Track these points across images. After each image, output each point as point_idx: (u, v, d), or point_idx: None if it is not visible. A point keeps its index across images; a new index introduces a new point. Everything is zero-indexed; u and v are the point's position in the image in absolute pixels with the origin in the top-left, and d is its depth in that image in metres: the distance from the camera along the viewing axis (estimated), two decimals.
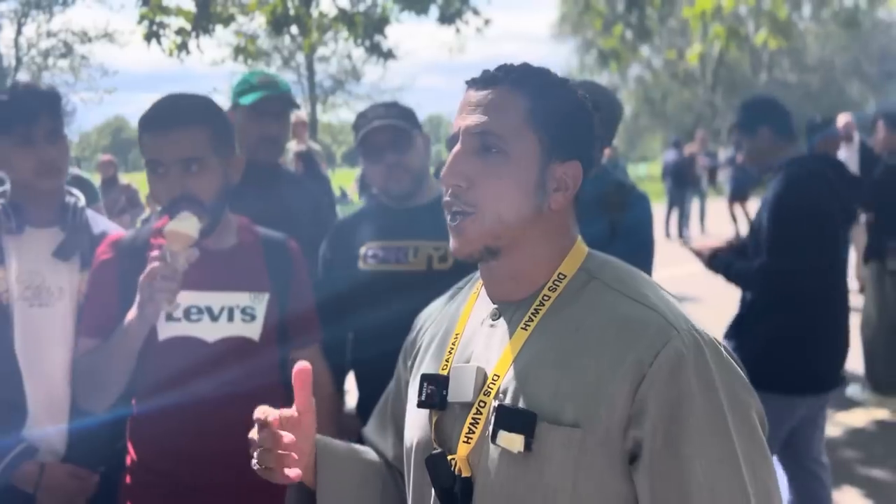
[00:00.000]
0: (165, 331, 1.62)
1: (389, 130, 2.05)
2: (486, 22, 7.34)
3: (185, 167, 1.58)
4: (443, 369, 1.08)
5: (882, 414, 4.62)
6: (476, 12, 7.20)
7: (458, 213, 1.01)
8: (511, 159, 1.00)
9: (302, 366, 1.04)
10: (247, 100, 2.31)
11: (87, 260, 1.79)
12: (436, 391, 1.05)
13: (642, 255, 2.27)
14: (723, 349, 0.97)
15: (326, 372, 1.85)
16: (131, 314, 1.54)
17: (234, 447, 1.61)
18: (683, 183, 12.92)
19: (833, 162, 2.83)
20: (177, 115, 1.61)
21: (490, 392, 0.99)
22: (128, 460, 1.71)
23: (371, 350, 2.10)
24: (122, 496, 1.71)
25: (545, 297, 1.03)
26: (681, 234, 13.00)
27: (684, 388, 0.91)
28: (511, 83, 1.02)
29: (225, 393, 1.61)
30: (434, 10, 6.91)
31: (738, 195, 12.45)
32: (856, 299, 7.72)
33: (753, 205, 12.69)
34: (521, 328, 1.02)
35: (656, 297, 1.00)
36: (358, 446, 1.24)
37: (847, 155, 7.44)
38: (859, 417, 4.58)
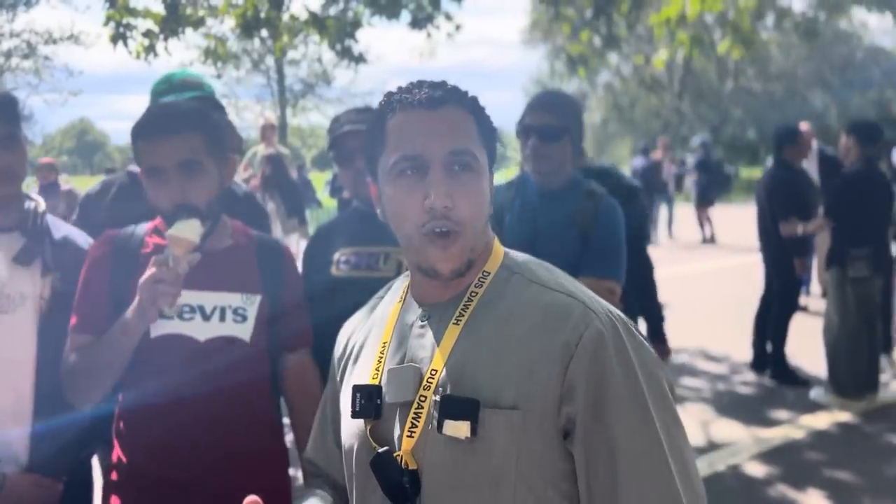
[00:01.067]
0: (157, 328, 1.63)
1: (360, 136, 2.04)
2: (458, 27, 7.36)
3: (185, 172, 1.61)
4: (373, 378, 1.12)
5: (844, 417, 4.72)
6: (448, 17, 7.22)
7: (447, 232, 1.06)
8: (478, 176, 1.09)
9: (251, 500, 1.05)
10: (168, 101, 2.19)
11: (48, 265, 1.77)
12: (369, 401, 1.09)
13: (615, 260, 2.29)
14: (633, 328, 1.09)
15: (317, 378, 1.84)
16: (129, 312, 1.55)
17: (220, 445, 1.63)
18: (651, 189, 13.07)
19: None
20: (173, 121, 1.64)
21: (430, 386, 1.05)
22: (113, 457, 1.70)
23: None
24: (106, 492, 1.71)
25: (472, 294, 1.10)
26: (649, 239, 13.14)
27: (606, 364, 1.01)
28: (460, 102, 1.10)
29: (214, 391, 1.62)
30: (405, 15, 6.92)
31: (704, 201, 12.64)
32: (819, 303, 7.89)
33: (718, 211, 12.92)
34: (453, 324, 1.08)
35: (573, 286, 1.10)
36: None
37: (806, 163, 7.61)
38: (822, 420, 4.68)
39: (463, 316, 1.08)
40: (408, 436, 1.04)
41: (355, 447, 1.12)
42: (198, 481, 1.62)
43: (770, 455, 4.14)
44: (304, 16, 7.12)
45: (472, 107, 1.11)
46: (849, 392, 4.83)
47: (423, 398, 1.05)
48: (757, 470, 3.97)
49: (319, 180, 15.49)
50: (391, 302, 1.22)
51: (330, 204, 10.96)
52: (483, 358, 1.04)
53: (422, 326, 1.12)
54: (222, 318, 1.66)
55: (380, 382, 1.10)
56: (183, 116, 1.65)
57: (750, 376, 5.62)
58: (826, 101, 32.55)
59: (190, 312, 1.65)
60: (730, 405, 5.00)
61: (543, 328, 1.04)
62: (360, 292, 2.08)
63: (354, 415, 1.11)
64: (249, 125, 23.52)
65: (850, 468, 3.96)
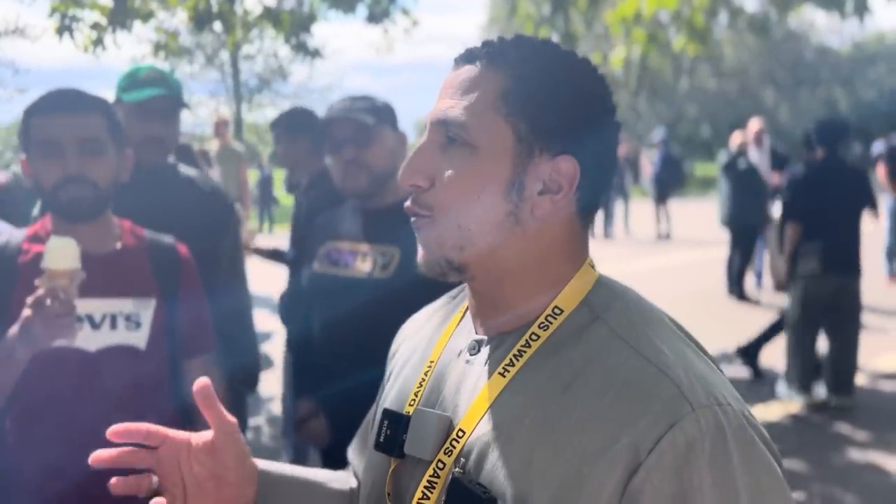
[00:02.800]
0: None
1: (348, 124, 1.97)
2: (415, 23, 7.32)
3: (84, 148, 1.55)
4: (410, 405, 0.88)
5: (795, 408, 4.82)
6: (405, 12, 7.17)
7: (416, 217, 0.84)
8: (478, 153, 0.80)
9: (202, 383, 0.87)
10: (132, 97, 2.15)
11: None
12: (394, 435, 0.86)
13: None
14: (752, 430, 0.75)
15: (221, 384, 1.76)
16: (13, 339, 1.41)
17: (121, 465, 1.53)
18: None
19: None
20: (76, 100, 1.59)
21: (452, 452, 0.80)
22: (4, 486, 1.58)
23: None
24: None
25: (533, 336, 0.81)
26: (606, 234, 13.30)
27: (693, 485, 0.70)
28: (487, 58, 0.82)
29: (109, 405, 1.52)
30: (362, 9, 6.85)
31: (662, 197, 12.83)
32: (770, 296, 8.06)
33: (673, 206, 13.13)
34: (499, 373, 0.81)
35: (674, 352, 0.77)
36: (321, 474, 1.04)
37: (758, 158, 7.79)
38: (774, 411, 4.77)
39: (513, 366, 0.80)
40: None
41: (371, 484, 0.90)
42: (94, 495, 1.54)
43: None
44: (258, 9, 7.00)
45: (506, 66, 0.82)
46: (795, 386, 4.89)
47: (441, 464, 0.80)
48: None
49: (277, 176, 15.31)
50: (454, 310, 0.96)
51: (287, 201, 10.84)
52: (520, 434, 0.76)
53: (468, 362, 0.85)
54: (113, 326, 1.56)
55: (410, 416, 0.87)
56: (86, 97, 1.60)
57: None
58: (777, 99, 33.34)
59: (77, 322, 1.50)
60: None
61: (610, 413, 0.73)
62: (331, 291, 2.03)
63: (377, 445, 0.88)
64: (204, 122, 23.11)
65: (801, 457, 4.04)
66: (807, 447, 4.19)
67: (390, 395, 0.95)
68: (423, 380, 0.89)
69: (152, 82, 2.18)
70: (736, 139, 7.87)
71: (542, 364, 0.79)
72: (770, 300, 7.83)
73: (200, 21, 6.53)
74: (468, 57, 0.84)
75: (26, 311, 1.39)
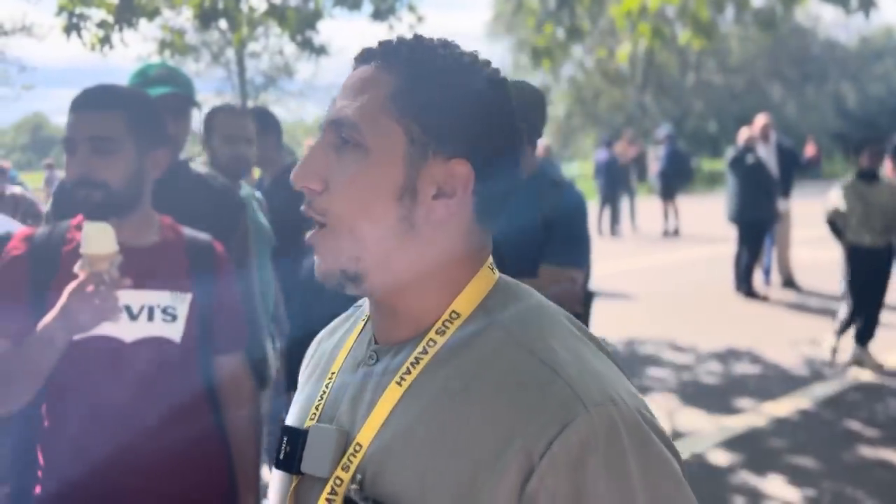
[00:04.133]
0: None
1: None
2: (420, 19, 7.31)
3: (94, 147, 1.56)
4: (310, 419, 0.86)
5: (804, 404, 4.80)
6: (411, 8, 7.16)
7: (314, 224, 0.81)
8: (369, 156, 0.78)
9: None
10: None
11: None
12: (292, 452, 0.83)
13: (578, 249, 2.29)
14: (648, 426, 0.73)
15: (250, 381, 1.79)
16: (54, 322, 1.45)
17: (151, 451, 1.55)
18: (615, 181, 13.18)
19: None
20: (96, 97, 1.60)
21: (349, 467, 0.77)
22: (38, 470, 1.61)
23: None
24: None
25: (430, 343, 0.79)
26: (613, 232, 13.27)
27: (588, 487, 0.68)
28: (381, 59, 0.80)
29: (143, 395, 1.55)
30: (367, 6, 6.84)
31: (669, 194, 12.80)
32: (779, 293, 8.03)
33: (680, 203, 13.09)
34: (396, 382, 0.78)
35: (568, 351, 0.76)
36: None
37: (765, 154, 7.75)
38: (783, 408, 4.75)
39: (410, 373, 0.78)
40: None
41: None
42: (130, 490, 1.55)
43: (733, 443, 4.19)
44: (263, 6, 7.00)
45: (399, 67, 0.80)
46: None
47: (339, 481, 0.77)
48: (720, 458, 4.01)
49: None
50: (357, 321, 0.94)
51: None
52: (416, 444, 0.74)
53: (366, 372, 0.83)
54: (150, 318, 1.58)
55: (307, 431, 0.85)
56: (108, 94, 1.61)
57: (714, 366, 5.68)
58: (784, 94, 33.19)
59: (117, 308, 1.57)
60: (694, 394, 5.05)
61: (506, 418, 0.71)
62: (322, 287, 2.04)
63: (278, 464, 0.85)
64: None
65: (810, 454, 4.02)
66: (816, 444, 4.17)
67: (293, 412, 0.92)
68: (324, 393, 0.87)
69: (163, 80, 2.20)
70: (743, 135, 7.83)
71: (438, 371, 0.77)
72: (778, 297, 7.80)
73: (206, 18, 6.54)
74: (364, 57, 0.83)
75: (69, 297, 1.42)
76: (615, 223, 13.35)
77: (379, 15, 6.92)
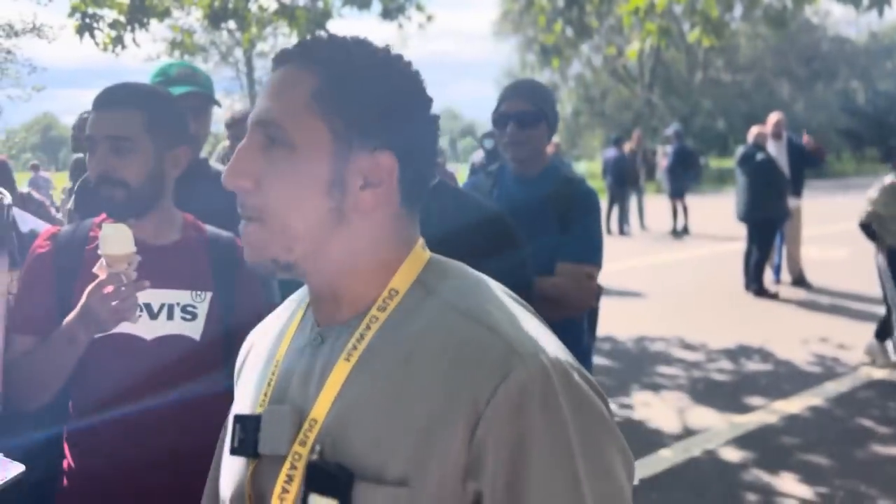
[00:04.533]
0: None
1: None
2: (429, 18, 7.33)
3: (112, 146, 1.57)
4: (260, 406, 0.90)
5: (816, 401, 4.79)
6: (419, 8, 7.17)
7: (245, 219, 0.85)
8: (297, 153, 0.82)
9: None
10: None
11: (15, 259, 1.71)
12: (247, 437, 0.87)
13: (593, 245, 2.29)
14: (577, 375, 0.80)
15: None
16: (77, 321, 1.47)
17: (174, 447, 1.57)
18: (623, 180, 13.16)
19: None
20: (115, 96, 1.62)
21: (306, 442, 0.81)
22: (64, 464, 1.64)
23: None
24: (59, 501, 1.64)
25: (373, 319, 0.84)
26: (621, 231, 13.25)
27: (527, 427, 0.75)
28: (299, 59, 0.85)
29: (164, 393, 1.56)
30: (376, 5, 6.86)
31: (677, 192, 12.76)
32: (789, 291, 8.00)
33: (689, 201, 13.05)
34: (344, 359, 0.83)
35: (502, 313, 0.83)
36: None
37: (776, 151, 7.72)
38: (795, 405, 4.74)
39: (356, 349, 0.83)
40: (278, 501, 0.82)
41: (231, 495, 0.91)
42: (152, 485, 1.57)
43: (745, 440, 4.19)
44: (273, 6, 7.03)
45: (318, 66, 0.85)
46: None
47: (297, 456, 0.81)
48: (732, 455, 4.01)
49: None
50: (297, 308, 0.98)
51: None
52: (371, 410, 0.80)
53: (312, 354, 0.87)
54: (170, 317, 1.60)
55: (260, 415, 0.89)
56: (126, 92, 1.63)
57: (725, 364, 5.68)
58: (793, 92, 33.03)
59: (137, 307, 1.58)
60: (705, 392, 5.04)
61: (448, 375, 0.78)
62: None
63: (233, 451, 0.88)
64: (218, 119, 23.21)
65: (822, 452, 4.02)
66: (828, 441, 4.16)
67: (240, 403, 0.96)
68: (271, 379, 0.91)
69: (184, 79, 2.23)
70: (753, 132, 7.80)
71: (382, 343, 0.83)
72: (788, 295, 7.77)
73: (215, 19, 6.57)
74: (282, 59, 0.86)
75: (88, 297, 1.44)
76: (623, 222, 13.33)
77: (388, 14, 6.94)
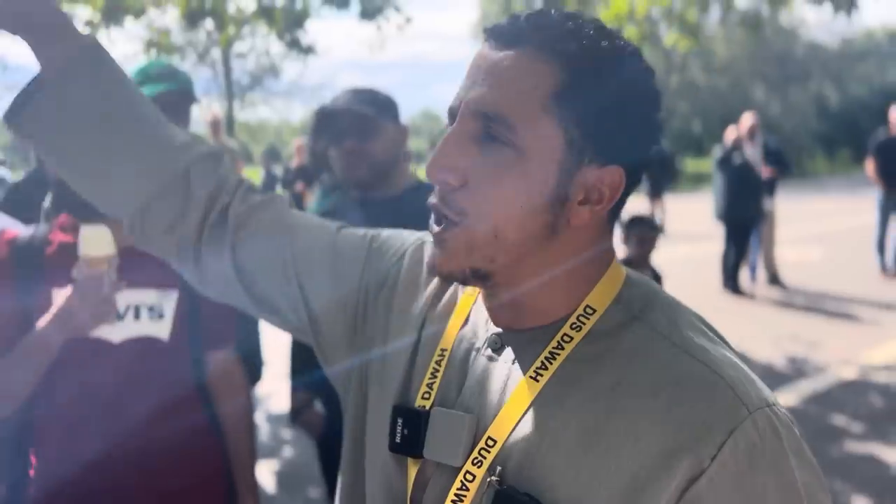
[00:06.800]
0: None
1: (350, 116, 1.98)
2: (408, 20, 7.31)
3: None
4: (423, 398, 0.81)
5: (791, 400, 4.84)
6: (398, 9, 7.16)
7: (442, 219, 0.75)
8: (522, 156, 0.71)
9: None
10: (143, 92, 2.18)
11: None
12: (412, 435, 0.79)
13: None
14: (796, 428, 0.73)
15: (241, 375, 1.78)
16: (47, 326, 1.44)
17: (144, 449, 1.55)
18: None
19: None
20: None
21: (482, 462, 0.74)
22: (31, 471, 1.60)
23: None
24: None
25: (565, 338, 0.75)
26: None
27: (755, 489, 0.69)
28: (539, 44, 0.71)
29: (134, 394, 1.54)
30: (355, 6, 6.83)
31: (656, 193, 12.86)
32: (765, 290, 8.09)
33: (667, 201, 13.15)
34: (531, 377, 0.74)
35: (714, 347, 0.74)
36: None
37: (751, 153, 7.82)
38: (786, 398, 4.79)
39: (546, 369, 0.74)
40: None
41: (386, 492, 0.82)
42: (126, 488, 1.54)
43: None
44: (251, 6, 6.98)
45: (563, 58, 0.71)
46: None
47: (470, 476, 0.74)
48: None
49: None
50: (459, 290, 0.88)
51: None
52: (566, 441, 0.71)
53: (490, 358, 0.79)
54: (137, 317, 1.57)
55: (429, 413, 0.79)
56: None
57: None
58: (767, 94, 33.46)
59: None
60: None
61: (669, 416, 0.69)
62: None
63: (394, 447, 0.80)
64: (195, 120, 23.05)
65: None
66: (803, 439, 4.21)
67: (386, 382, 0.86)
68: (436, 370, 0.82)
69: (163, 77, 2.21)
70: (730, 134, 7.90)
71: (578, 366, 0.74)
72: (765, 294, 7.87)
73: (192, 18, 6.51)
74: (511, 38, 0.73)
75: (68, 300, 1.42)
76: None
77: (367, 14, 6.91)
